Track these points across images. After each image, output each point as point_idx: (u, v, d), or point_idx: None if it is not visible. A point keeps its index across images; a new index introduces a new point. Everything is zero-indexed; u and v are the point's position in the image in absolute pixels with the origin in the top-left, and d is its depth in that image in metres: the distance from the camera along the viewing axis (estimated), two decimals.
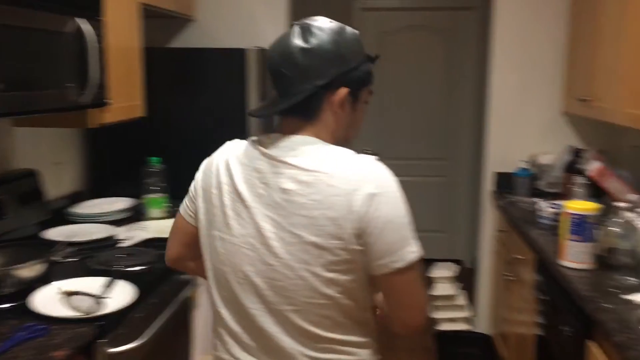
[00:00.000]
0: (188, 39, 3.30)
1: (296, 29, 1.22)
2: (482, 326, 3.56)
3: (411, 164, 4.81)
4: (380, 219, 1.13)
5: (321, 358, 1.22)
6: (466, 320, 3.66)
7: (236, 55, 2.81)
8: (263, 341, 1.23)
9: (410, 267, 1.17)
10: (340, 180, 1.14)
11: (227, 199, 1.23)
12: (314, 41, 1.19)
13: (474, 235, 4.03)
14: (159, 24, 3.18)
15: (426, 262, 4.41)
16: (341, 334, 1.22)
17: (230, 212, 1.23)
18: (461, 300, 3.73)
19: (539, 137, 3.32)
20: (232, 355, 1.28)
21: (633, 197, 2.34)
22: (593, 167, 2.63)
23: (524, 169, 3.20)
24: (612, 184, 2.57)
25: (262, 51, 2.87)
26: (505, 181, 3.31)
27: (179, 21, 3.27)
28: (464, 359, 3.44)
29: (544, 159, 3.16)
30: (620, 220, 2.06)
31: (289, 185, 1.17)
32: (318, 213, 1.14)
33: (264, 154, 1.21)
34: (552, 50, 3.27)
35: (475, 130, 4.53)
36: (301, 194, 1.15)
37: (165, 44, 3.33)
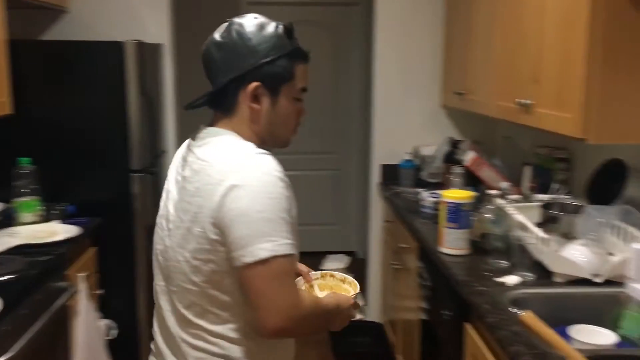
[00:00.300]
0: (61, 31, 3.11)
1: (222, 26, 1.27)
2: (374, 315, 3.66)
3: (303, 158, 4.84)
4: (233, 211, 1.13)
5: (192, 343, 1.25)
6: (359, 310, 3.73)
7: (113, 49, 2.68)
8: (161, 316, 1.32)
9: (260, 264, 1.12)
10: (215, 170, 1.18)
11: (165, 184, 1.35)
12: (229, 36, 1.24)
13: (365, 227, 4.12)
14: (28, 15, 2.97)
15: (319, 255, 4.48)
16: (210, 324, 1.23)
17: (163, 195, 1.35)
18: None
19: (421, 130, 3.45)
20: (153, 325, 1.39)
21: (504, 184, 2.48)
22: (469, 157, 2.77)
23: (408, 161, 3.31)
24: (486, 173, 2.72)
25: (141, 44, 2.75)
26: (391, 173, 3.41)
27: (51, 12, 3.07)
28: (357, 348, 3.51)
29: (426, 151, 3.29)
30: (492, 207, 2.18)
31: (186, 172, 1.25)
32: (194, 200, 1.19)
33: (188, 143, 1.31)
34: (431, 46, 3.40)
35: (363, 123, 4.63)
36: (190, 181, 1.22)
37: (35, 36, 3.11)
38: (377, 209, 3.56)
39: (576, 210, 2.04)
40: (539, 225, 2.05)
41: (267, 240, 1.12)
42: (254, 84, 1.23)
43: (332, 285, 1.48)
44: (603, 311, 1.74)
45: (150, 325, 2.76)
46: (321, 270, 1.55)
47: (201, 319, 1.23)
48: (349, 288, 1.47)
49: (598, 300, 1.77)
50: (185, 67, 3.85)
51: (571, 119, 1.80)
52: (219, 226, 1.15)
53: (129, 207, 2.78)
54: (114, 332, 2.60)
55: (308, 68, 1.31)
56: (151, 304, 2.92)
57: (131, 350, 2.84)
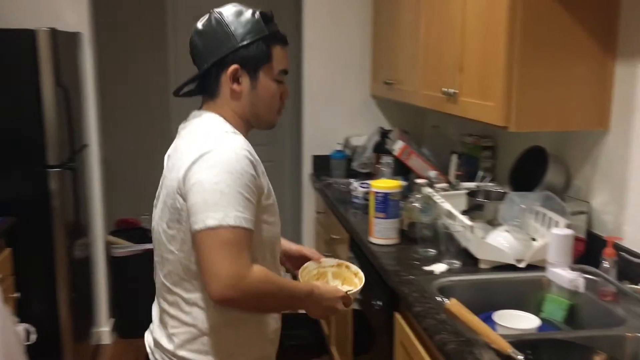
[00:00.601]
0: None
1: (204, 16, 1.35)
2: None
3: None
4: (192, 179, 1.21)
5: (169, 312, 1.34)
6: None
7: (25, 37, 2.53)
8: (154, 287, 1.43)
9: (208, 231, 1.17)
10: (187, 147, 1.27)
11: None
12: (209, 24, 1.32)
13: (298, 218, 4.09)
14: None
15: None
16: (185, 292, 1.31)
17: None
18: None
19: (352, 120, 3.45)
20: None
21: (432, 173, 2.51)
22: (398, 146, 2.78)
23: (339, 151, 3.30)
24: (415, 162, 2.74)
25: (55, 32, 2.60)
26: (322, 164, 3.39)
27: None
28: (293, 340, 3.49)
29: (357, 141, 3.28)
30: (420, 196, 2.19)
31: (170, 150, 1.37)
32: (170, 175, 1.29)
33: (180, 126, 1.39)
34: (360, 35, 3.40)
35: (295, 115, 4.59)
36: (171, 158, 1.33)
37: None
38: (310, 200, 3.54)
39: (500, 197, 2.07)
40: (465, 212, 2.07)
41: (216, 210, 1.17)
42: (233, 67, 1.30)
43: (345, 276, 1.55)
44: (527, 295, 1.79)
45: (72, 327, 2.67)
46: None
47: (178, 287, 1.31)
48: (358, 283, 1.52)
49: (522, 285, 1.80)
50: (107, 57, 3.69)
51: (493, 108, 1.82)
52: (182, 193, 1.23)
53: (47, 205, 2.63)
54: (34, 337, 2.46)
55: (287, 51, 1.38)
56: (72, 305, 2.79)
57: (53, 354, 2.71)
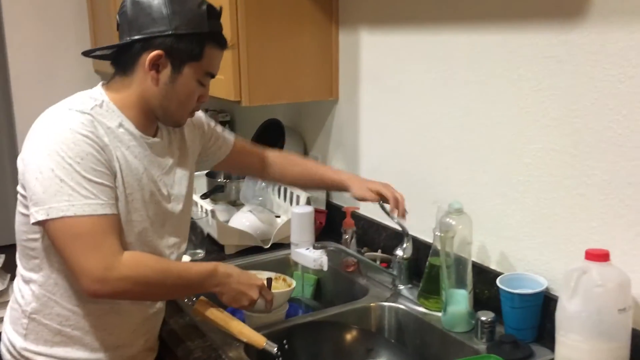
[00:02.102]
0: None
1: None
2: None
3: None
4: (29, 166, 1.10)
5: (15, 286, 1.26)
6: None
7: None
8: None
9: (53, 223, 1.06)
10: (35, 122, 1.16)
11: None
12: None
13: None
14: None
15: None
16: (21, 268, 1.22)
17: None
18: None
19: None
20: None
21: None
22: None
23: None
24: None
25: None
26: None
27: None
28: None
29: None
30: None
31: None
32: None
33: None
34: (75, 8, 3.08)
35: (6, 94, 3.98)
36: None
37: None
38: None
39: (240, 175, 1.98)
40: (207, 195, 1.94)
41: (59, 200, 1.06)
42: (157, 52, 1.15)
43: (279, 287, 1.42)
44: None
45: None
46: None
47: (20, 257, 1.22)
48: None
49: (270, 266, 1.73)
50: None
51: (224, 82, 1.72)
52: (22, 177, 1.13)
53: None
54: None
55: (222, 55, 1.23)
56: None
57: None
